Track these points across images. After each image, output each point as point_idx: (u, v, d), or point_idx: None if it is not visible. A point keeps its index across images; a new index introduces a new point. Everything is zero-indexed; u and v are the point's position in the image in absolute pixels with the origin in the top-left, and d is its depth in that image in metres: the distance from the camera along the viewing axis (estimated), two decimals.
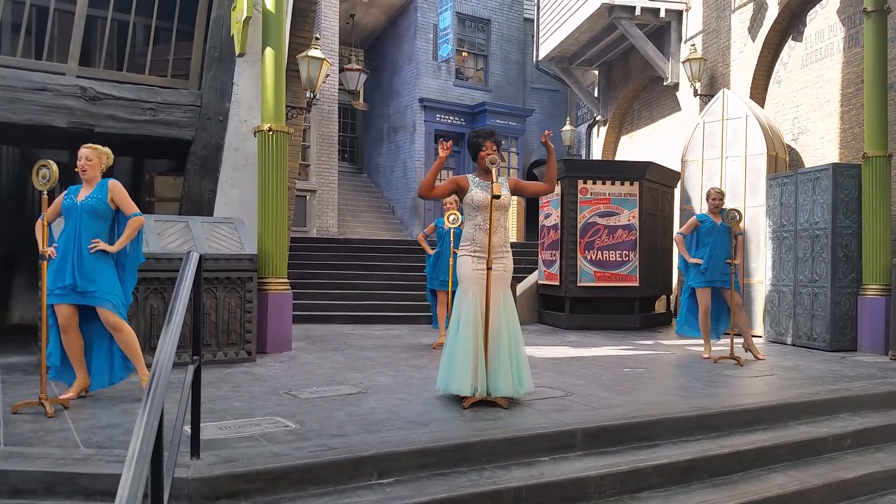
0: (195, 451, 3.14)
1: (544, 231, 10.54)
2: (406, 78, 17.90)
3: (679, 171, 10.31)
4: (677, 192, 10.65)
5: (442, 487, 3.26)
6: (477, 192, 4.53)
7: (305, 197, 14.86)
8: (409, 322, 9.87)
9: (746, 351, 6.86)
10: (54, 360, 4.43)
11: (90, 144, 4.59)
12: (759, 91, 10.40)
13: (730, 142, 9.46)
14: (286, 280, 6.99)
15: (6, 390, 4.64)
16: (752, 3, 10.39)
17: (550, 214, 10.27)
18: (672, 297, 10.98)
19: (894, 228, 7.74)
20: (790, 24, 9.99)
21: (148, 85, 7.01)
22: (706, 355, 6.85)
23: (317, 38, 9.87)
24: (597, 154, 15.48)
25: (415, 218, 17.13)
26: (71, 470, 3.02)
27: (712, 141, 9.67)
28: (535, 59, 15.82)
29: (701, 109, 10.71)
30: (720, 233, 6.77)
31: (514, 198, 4.74)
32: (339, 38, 16.30)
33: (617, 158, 14.87)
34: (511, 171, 17.46)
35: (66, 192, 4.55)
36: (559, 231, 9.96)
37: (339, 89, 15.99)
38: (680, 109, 12.33)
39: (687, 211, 9.80)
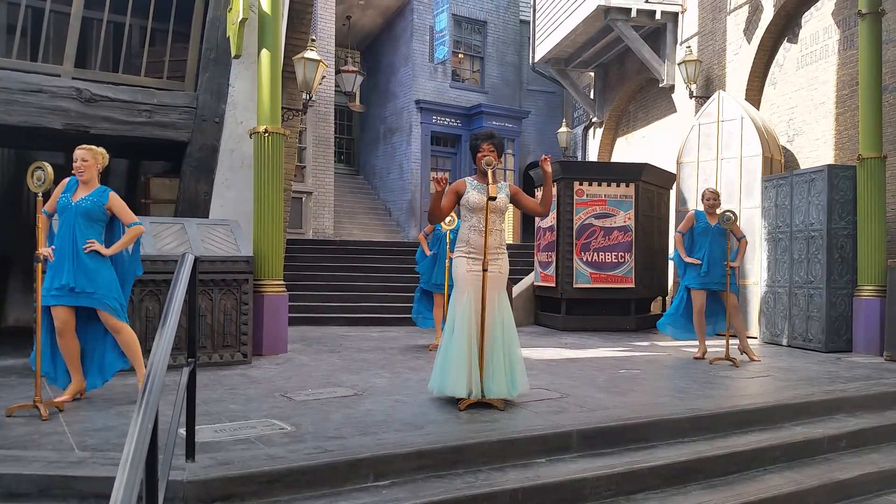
0: (190, 453, 3.13)
1: (540, 233, 10.55)
2: (402, 80, 17.90)
3: (675, 172, 10.33)
4: (673, 193, 10.67)
5: (438, 489, 3.26)
6: (473, 194, 4.55)
7: (302, 199, 14.86)
8: (406, 324, 9.84)
9: (742, 353, 6.87)
10: (43, 364, 4.31)
11: (85, 146, 4.58)
12: (754, 93, 10.43)
13: (725, 143, 9.49)
14: (282, 282, 6.98)
15: (0, 393, 4.62)
16: (747, 5, 10.42)
17: (546, 216, 10.27)
18: (667, 299, 10.99)
19: (889, 230, 7.77)
20: (785, 26, 10.02)
21: (144, 87, 6.99)
22: (698, 355, 6.87)
23: (313, 40, 9.85)
24: (593, 156, 15.50)
25: (411, 220, 17.14)
26: (66, 473, 3.01)
27: (708, 142, 9.69)
28: (531, 61, 15.84)
29: (696, 111, 10.74)
30: (714, 234, 6.78)
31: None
32: (336, 39, 16.31)
33: (613, 160, 14.89)
34: (507, 172, 17.48)
35: (66, 182, 4.51)
36: (555, 233, 9.97)
37: (336, 91, 15.99)
38: (675, 111, 12.35)
39: (682, 212, 9.81)
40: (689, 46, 11.48)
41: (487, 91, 18.51)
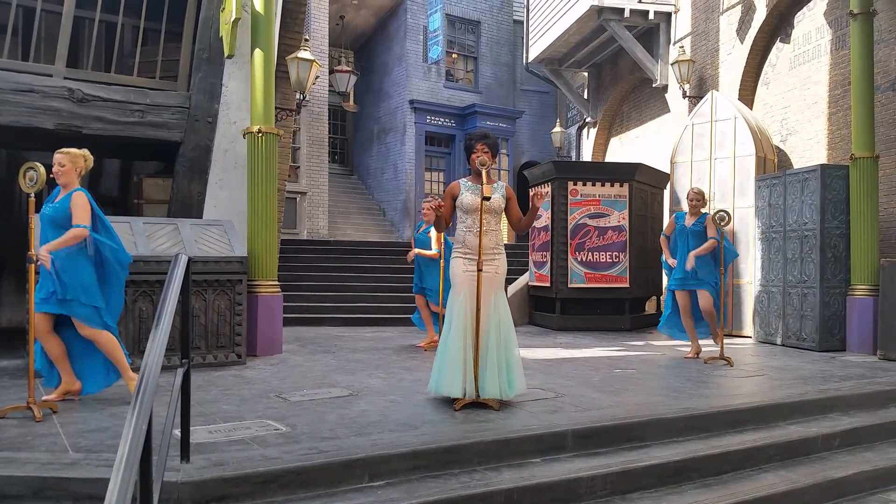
0: (185, 454, 3.11)
1: (535, 233, 10.56)
2: (396, 80, 17.89)
3: (668, 172, 10.35)
4: (667, 193, 10.70)
5: (433, 490, 3.26)
6: (467, 195, 4.54)
7: (295, 199, 14.83)
8: (400, 324, 9.84)
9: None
10: (37, 366, 4.31)
11: (64, 149, 4.45)
12: (747, 93, 10.47)
13: (718, 143, 9.51)
14: (276, 282, 6.96)
15: None
16: (740, 6, 10.46)
17: (541, 216, 10.28)
18: (661, 299, 11.01)
19: (882, 229, 7.80)
20: (778, 27, 10.05)
21: (136, 86, 6.96)
22: (690, 355, 6.89)
23: (306, 40, 9.85)
24: (587, 156, 15.53)
25: (405, 220, 17.12)
26: (59, 474, 2.99)
27: (701, 142, 9.72)
28: (524, 61, 15.85)
29: (690, 111, 10.76)
30: (689, 235, 6.81)
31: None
32: (329, 39, 16.27)
33: (607, 160, 14.91)
34: (501, 172, 17.48)
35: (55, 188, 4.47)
36: (550, 232, 9.98)
37: (329, 91, 15.96)
38: (669, 111, 12.38)
39: (675, 212, 9.84)
40: (682, 46, 11.50)
41: (481, 91, 18.51)
